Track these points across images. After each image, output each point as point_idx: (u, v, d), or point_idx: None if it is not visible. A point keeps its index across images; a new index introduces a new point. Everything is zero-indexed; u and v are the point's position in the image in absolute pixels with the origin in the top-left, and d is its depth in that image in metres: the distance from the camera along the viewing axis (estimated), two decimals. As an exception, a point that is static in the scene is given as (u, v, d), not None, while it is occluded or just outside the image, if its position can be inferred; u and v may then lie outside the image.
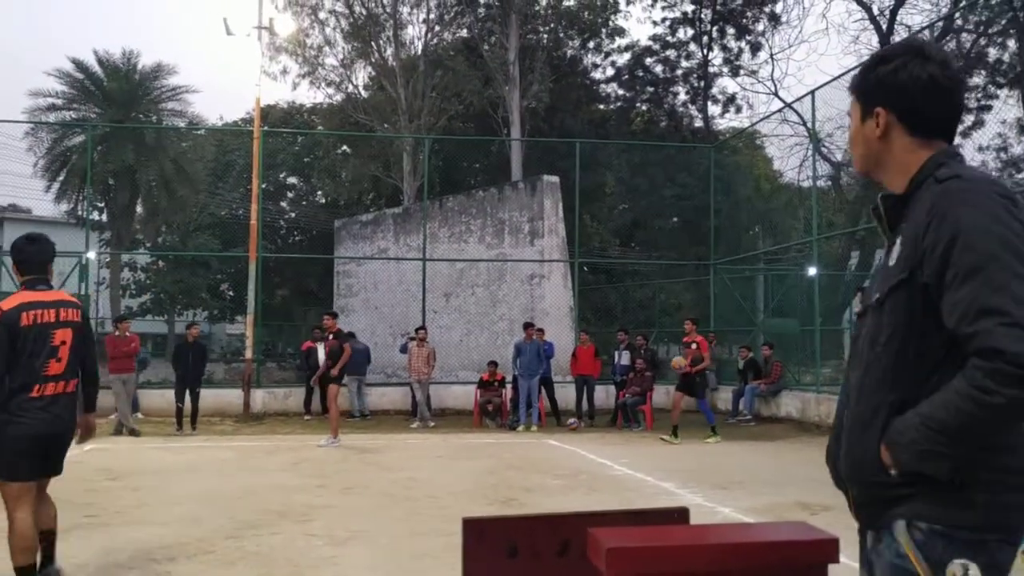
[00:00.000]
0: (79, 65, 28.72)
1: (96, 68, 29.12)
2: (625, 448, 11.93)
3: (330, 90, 29.23)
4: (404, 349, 16.13)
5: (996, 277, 1.51)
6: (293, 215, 36.19)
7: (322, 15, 27.28)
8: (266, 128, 18.52)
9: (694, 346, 13.07)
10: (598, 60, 31.33)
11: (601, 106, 31.63)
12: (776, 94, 27.52)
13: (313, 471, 9.78)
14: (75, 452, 10.77)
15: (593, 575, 0.84)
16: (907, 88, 1.77)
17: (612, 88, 31.86)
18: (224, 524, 6.65)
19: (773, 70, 35.36)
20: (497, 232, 19.74)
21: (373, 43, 27.24)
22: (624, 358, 15.79)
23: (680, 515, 0.85)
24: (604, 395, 16.23)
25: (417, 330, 16.01)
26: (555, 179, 19.35)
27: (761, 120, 23.92)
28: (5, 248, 29.36)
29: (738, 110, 30.26)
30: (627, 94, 31.40)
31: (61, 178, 28.20)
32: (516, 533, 0.94)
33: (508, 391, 15.46)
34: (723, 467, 10.10)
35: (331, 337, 12.71)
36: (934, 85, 1.76)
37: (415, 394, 15.73)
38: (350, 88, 28.85)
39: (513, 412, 15.14)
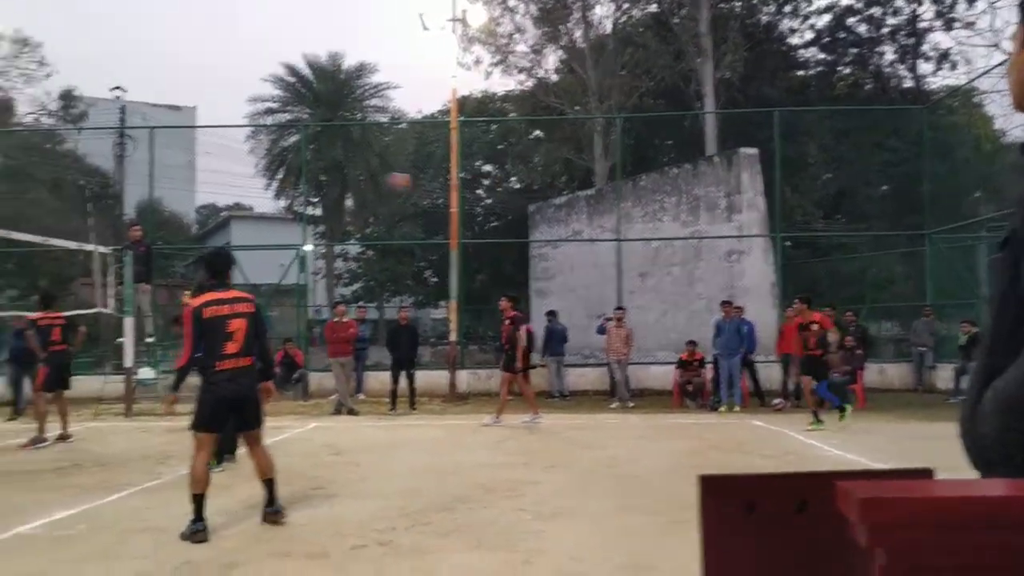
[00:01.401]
0: (291, 70, 30.89)
1: (306, 71, 31.19)
2: (834, 429, 11.39)
3: (521, 76, 29.67)
4: (602, 330, 16.20)
5: None
6: (489, 202, 37.12)
7: (512, 3, 27.73)
8: (462, 118, 19.10)
9: (815, 327, 11.82)
10: (795, 24, 29.84)
11: (800, 72, 30.11)
12: (997, 46, 25.09)
13: (517, 449, 10.06)
14: (301, 431, 11.69)
15: (832, 532, 0.83)
16: None
17: (812, 52, 30.24)
18: (438, 498, 6.98)
19: (993, 20, 32.25)
20: (693, 209, 19.35)
21: (562, 26, 27.38)
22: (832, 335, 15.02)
23: (924, 475, 0.81)
24: (811, 374, 15.56)
25: (615, 310, 16.05)
26: (753, 151, 18.70)
27: (980, 76, 21.88)
28: (233, 243, 32.15)
29: (953, 67, 27.80)
30: (828, 57, 29.69)
31: (279, 176, 30.51)
32: (753, 490, 0.95)
33: (708, 371, 15.18)
34: (941, 449, 9.39)
35: (507, 322, 12.56)
36: None
37: (614, 374, 15.79)
38: (541, 73, 29.19)
39: (714, 392, 14.84)
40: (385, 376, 15.42)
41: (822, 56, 29.85)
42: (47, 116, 35.84)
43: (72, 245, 15.85)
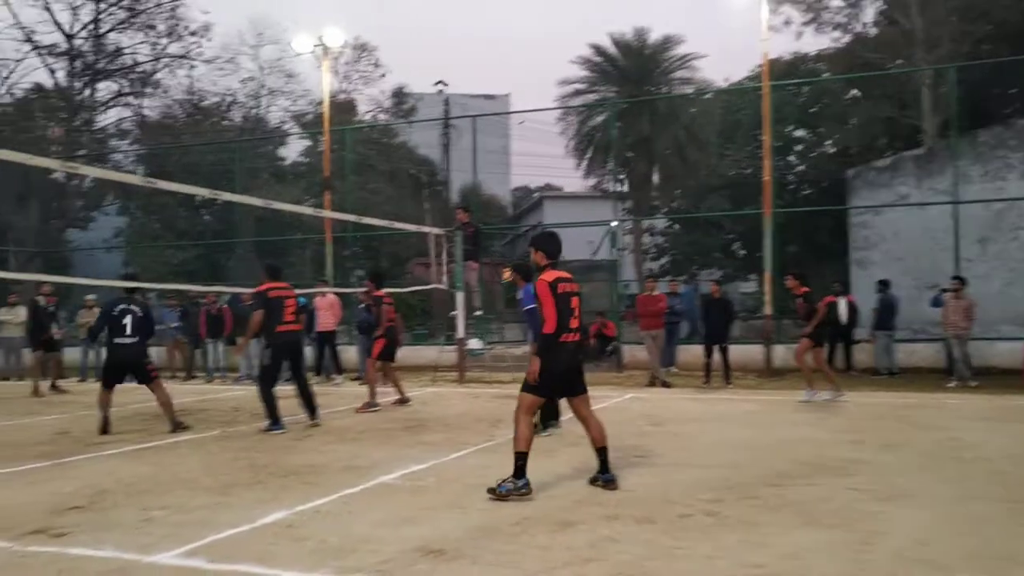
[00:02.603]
0: (598, 50, 31.59)
1: (612, 50, 31.69)
2: None
3: (835, 33, 27.92)
4: (937, 303, 14.87)
5: None
6: (802, 168, 35.39)
7: (826, -44, 26.11)
8: (772, 83, 18.32)
9: None
10: None
11: None
12: None
13: (843, 426, 9.61)
14: (619, 400, 12.04)
15: None
16: None
17: None
18: (762, 472, 6.87)
19: None
20: (1045, 165, 17.11)
21: (883, -27, 25.29)
22: None
23: None
24: None
25: (952, 280, 14.68)
26: (1124, 94, 16.11)
27: None
28: (545, 222, 33.62)
29: None
30: None
31: (588, 155, 31.38)
32: None
33: (1069, 347, 13.40)
34: None
35: (799, 299, 12.10)
36: None
37: (952, 351, 14.46)
38: (857, 27, 27.23)
39: (1076, 372, 13.08)
40: (698, 349, 15.38)
41: None
42: (382, 112, 39.79)
43: (413, 228, 17.57)
